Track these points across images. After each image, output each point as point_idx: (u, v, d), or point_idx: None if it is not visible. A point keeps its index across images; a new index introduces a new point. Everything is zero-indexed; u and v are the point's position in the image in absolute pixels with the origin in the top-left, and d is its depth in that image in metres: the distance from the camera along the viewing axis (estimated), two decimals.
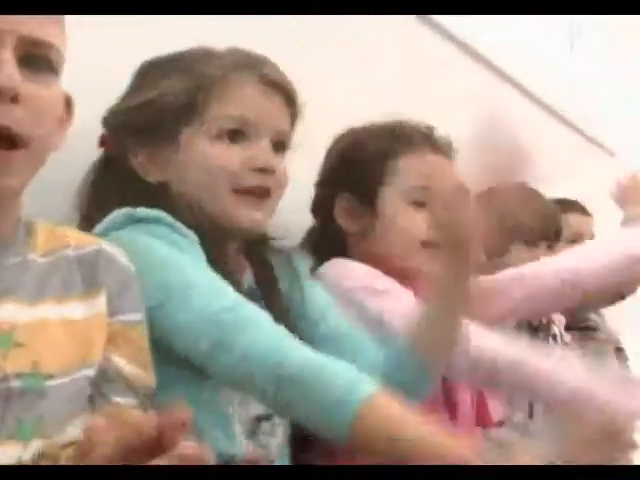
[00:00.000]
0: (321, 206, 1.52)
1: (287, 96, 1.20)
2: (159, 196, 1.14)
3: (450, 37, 2.36)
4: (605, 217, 2.19)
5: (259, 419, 1.13)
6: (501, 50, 2.62)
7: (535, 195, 2.10)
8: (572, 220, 2.47)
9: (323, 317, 1.25)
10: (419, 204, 1.45)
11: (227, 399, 1.10)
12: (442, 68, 2.35)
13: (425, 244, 1.43)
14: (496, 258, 2.00)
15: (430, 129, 1.50)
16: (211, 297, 1.04)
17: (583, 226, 2.52)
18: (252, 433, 1.12)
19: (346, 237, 1.50)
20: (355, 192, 1.47)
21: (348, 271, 1.41)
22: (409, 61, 2.18)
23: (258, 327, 1.02)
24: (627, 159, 3.31)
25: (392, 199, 1.46)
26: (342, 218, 1.49)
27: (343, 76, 1.92)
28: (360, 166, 1.46)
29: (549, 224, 2.15)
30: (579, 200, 2.57)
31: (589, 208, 2.63)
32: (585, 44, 3.25)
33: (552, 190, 2.37)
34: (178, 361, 1.04)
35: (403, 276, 1.42)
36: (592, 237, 2.50)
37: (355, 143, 1.49)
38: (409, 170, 1.46)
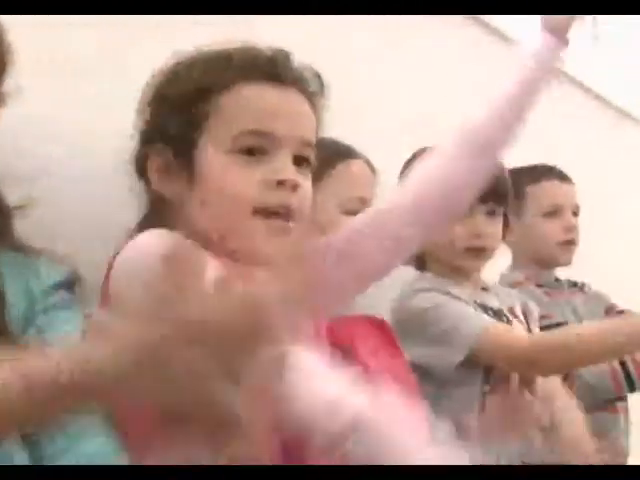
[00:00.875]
0: (137, 166, 1.15)
1: None
2: None
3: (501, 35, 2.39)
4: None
5: None
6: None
7: None
8: (548, 187, 2.10)
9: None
10: (250, 154, 1.08)
11: None
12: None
13: (257, 211, 1.07)
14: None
15: (285, 56, 1.13)
16: None
17: (561, 194, 2.12)
18: None
19: (164, 206, 1.11)
20: (169, 142, 1.10)
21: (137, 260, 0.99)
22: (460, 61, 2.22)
23: None
24: None
25: (212, 149, 1.08)
26: (155, 179, 1.11)
27: (394, 75, 1.96)
28: (174, 106, 1.10)
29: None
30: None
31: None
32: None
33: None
34: None
35: (237, 259, 1.05)
36: (575, 208, 2.12)
37: (172, 75, 1.13)
38: (235, 109, 1.09)
